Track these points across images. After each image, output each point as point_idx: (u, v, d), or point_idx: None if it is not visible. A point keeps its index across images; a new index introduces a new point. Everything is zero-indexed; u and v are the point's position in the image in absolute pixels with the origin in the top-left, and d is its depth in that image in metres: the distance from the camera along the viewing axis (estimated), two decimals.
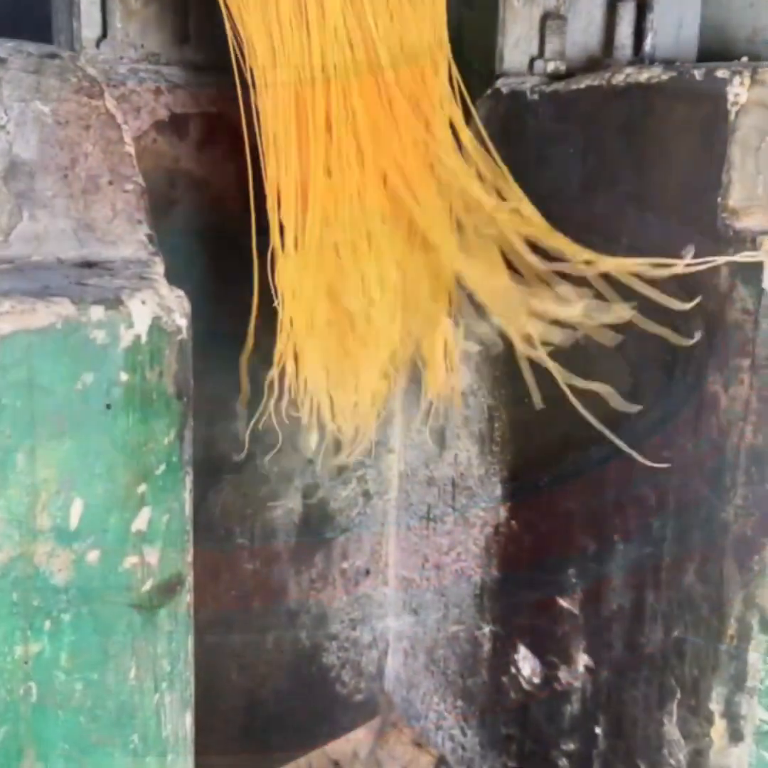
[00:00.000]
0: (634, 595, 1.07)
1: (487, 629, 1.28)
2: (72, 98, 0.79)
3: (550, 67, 1.15)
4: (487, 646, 1.28)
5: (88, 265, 0.75)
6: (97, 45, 1.13)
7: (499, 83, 1.16)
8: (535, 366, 1.12)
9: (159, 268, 0.76)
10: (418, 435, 1.32)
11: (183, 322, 0.71)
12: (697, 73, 0.95)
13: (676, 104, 0.97)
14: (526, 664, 1.23)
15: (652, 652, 1.05)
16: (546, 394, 1.14)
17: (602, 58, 1.14)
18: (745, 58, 1.02)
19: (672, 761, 1.04)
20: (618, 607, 1.09)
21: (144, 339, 0.68)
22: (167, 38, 1.16)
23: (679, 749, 1.04)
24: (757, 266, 0.91)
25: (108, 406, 0.67)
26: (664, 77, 0.98)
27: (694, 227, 0.96)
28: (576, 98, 1.07)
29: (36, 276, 0.72)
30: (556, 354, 1.09)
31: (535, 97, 1.11)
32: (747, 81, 0.91)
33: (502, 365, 1.19)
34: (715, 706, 0.99)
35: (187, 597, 0.75)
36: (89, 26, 1.13)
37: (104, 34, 1.14)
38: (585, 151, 1.06)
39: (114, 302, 0.67)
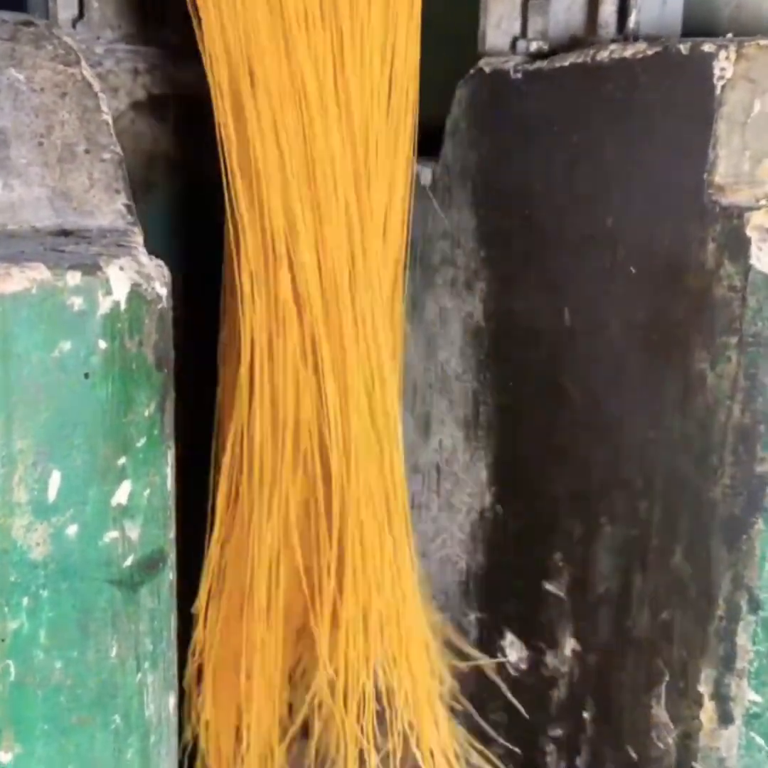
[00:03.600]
0: (622, 578, 1.06)
1: (473, 616, 1.27)
2: (47, 65, 0.77)
3: (533, 46, 1.14)
4: (473, 633, 1.27)
5: (64, 233, 0.73)
6: (74, 25, 1.12)
7: (482, 63, 1.15)
8: (526, 353, 1.11)
9: (138, 237, 0.74)
10: (403, 424, 1.31)
11: (163, 291, 0.69)
12: (683, 48, 0.94)
13: (662, 80, 0.96)
14: (513, 650, 1.22)
15: (640, 635, 1.05)
16: (531, 378, 1.13)
17: (585, 37, 1.13)
18: (729, 35, 1.01)
19: (661, 745, 1.03)
20: (605, 590, 1.08)
21: (123, 306, 0.66)
22: (145, 19, 1.15)
23: (667, 732, 1.03)
24: (745, 242, 0.90)
25: (86, 375, 0.65)
26: (650, 52, 0.97)
27: (680, 204, 0.95)
28: (560, 76, 1.06)
29: (10, 243, 0.70)
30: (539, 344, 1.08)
31: (519, 75, 1.10)
32: (733, 55, 0.91)
33: (488, 348, 1.18)
34: (704, 688, 0.98)
35: (169, 574, 0.73)
36: (65, 6, 1.12)
37: (81, 15, 1.13)
38: (569, 129, 1.05)
39: (91, 268, 0.65)
